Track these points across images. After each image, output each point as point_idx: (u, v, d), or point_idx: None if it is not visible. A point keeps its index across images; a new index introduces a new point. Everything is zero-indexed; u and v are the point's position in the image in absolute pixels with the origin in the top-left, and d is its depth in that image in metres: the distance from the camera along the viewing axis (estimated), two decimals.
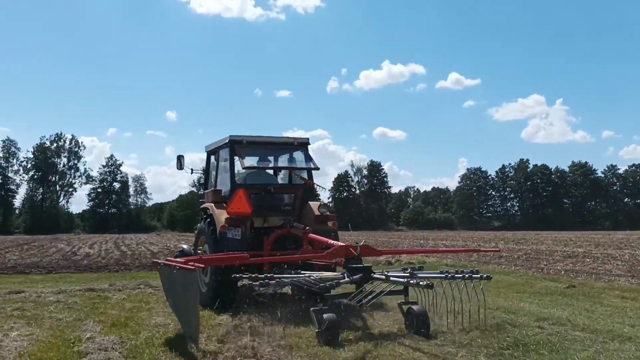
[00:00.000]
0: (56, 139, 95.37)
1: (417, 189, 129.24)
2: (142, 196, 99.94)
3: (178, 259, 8.54)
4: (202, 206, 11.20)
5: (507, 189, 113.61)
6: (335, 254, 8.22)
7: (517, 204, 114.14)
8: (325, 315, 6.81)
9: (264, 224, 10.37)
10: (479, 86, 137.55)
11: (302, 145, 10.90)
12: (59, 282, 14.04)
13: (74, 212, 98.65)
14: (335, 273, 8.36)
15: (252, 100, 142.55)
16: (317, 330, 6.90)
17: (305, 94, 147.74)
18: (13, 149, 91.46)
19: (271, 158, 11.34)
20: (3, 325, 7.84)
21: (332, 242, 8.85)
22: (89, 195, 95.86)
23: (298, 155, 10.99)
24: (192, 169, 11.87)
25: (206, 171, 11.93)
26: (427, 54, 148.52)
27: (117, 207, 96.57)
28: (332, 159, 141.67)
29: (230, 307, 8.72)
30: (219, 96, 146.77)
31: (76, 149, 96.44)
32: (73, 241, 43.43)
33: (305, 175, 10.83)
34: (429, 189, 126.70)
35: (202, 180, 12.34)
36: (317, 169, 10.83)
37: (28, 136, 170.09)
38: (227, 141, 10.43)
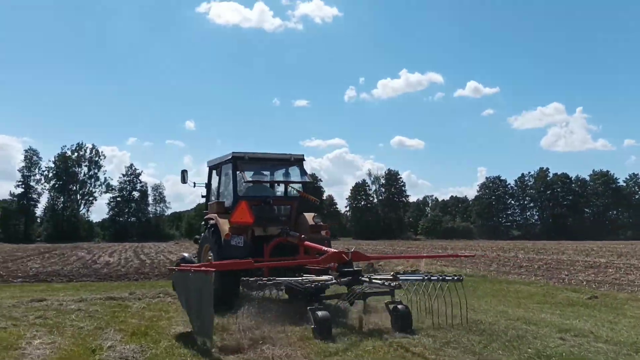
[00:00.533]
0: (77, 148, 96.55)
1: (436, 197, 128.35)
2: (161, 205, 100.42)
3: (194, 264, 9.37)
4: (205, 217, 12.13)
5: (527, 198, 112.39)
6: (329, 259, 9.08)
7: (537, 213, 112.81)
8: (319, 313, 7.65)
9: (263, 233, 11.15)
10: (498, 94, 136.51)
11: (298, 161, 11.87)
12: (79, 290, 14.18)
13: (94, 221, 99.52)
14: (327, 276, 8.93)
15: (270, 109, 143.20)
16: (313, 326, 7.66)
17: (322, 103, 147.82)
18: (35, 158, 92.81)
19: (270, 172, 12.42)
20: (26, 334, 7.96)
21: (326, 248, 9.69)
22: (108, 204, 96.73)
23: (294, 170, 12.06)
24: (194, 183, 12.87)
25: (208, 185, 12.91)
26: (445, 63, 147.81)
27: (137, 215, 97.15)
28: (350, 168, 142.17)
29: (233, 307, 9.28)
30: (237, 106, 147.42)
31: (96, 159, 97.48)
32: (93, 250, 43.87)
33: (301, 188, 12.05)
34: (447, 197, 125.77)
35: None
36: (312, 182, 12.45)
37: (50, 146, 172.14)
38: (230, 157, 11.40)
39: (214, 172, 12.64)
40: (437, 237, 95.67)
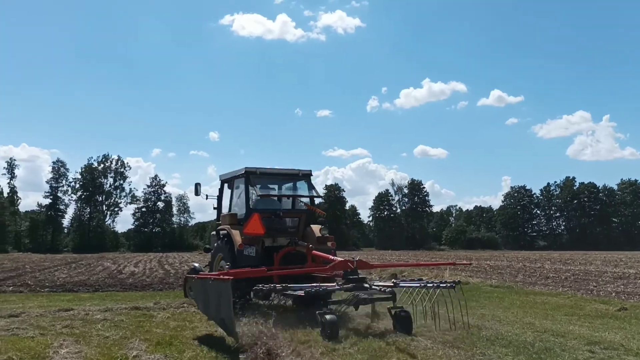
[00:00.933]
0: (103, 159, 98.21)
1: (460, 207, 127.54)
2: (185, 215, 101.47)
3: (212, 273, 9.98)
4: (218, 228, 12.66)
5: (553, 207, 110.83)
6: (335, 267, 9.63)
7: (564, 223, 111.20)
8: (327, 317, 8.09)
9: (273, 243, 11.85)
10: (522, 103, 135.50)
11: (306, 176, 12.60)
12: (105, 300, 14.35)
13: (120, 231, 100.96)
14: (332, 284, 9.45)
15: (293, 119, 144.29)
16: (321, 329, 8.09)
17: (345, 113, 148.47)
18: (62, 170, 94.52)
19: (279, 187, 12.98)
20: (53, 343, 8.05)
21: (332, 257, 10.21)
22: (133, 214, 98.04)
23: (302, 185, 12.75)
24: (207, 195, 13.40)
25: (220, 197, 13.47)
26: (468, 72, 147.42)
27: (161, 226, 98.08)
28: (373, 178, 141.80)
29: (246, 311, 9.79)
30: (261, 116, 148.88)
31: (122, 170, 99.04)
32: (118, 260, 44.33)
33: (308, 201, 12.58)
34: (471, 207, 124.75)
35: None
36: (320, 196, 12.94)
37: (77, 157, 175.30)
38: (242, 172, 12.03)
39: (226, 185, 13.23)
40: (461, 248, 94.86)
